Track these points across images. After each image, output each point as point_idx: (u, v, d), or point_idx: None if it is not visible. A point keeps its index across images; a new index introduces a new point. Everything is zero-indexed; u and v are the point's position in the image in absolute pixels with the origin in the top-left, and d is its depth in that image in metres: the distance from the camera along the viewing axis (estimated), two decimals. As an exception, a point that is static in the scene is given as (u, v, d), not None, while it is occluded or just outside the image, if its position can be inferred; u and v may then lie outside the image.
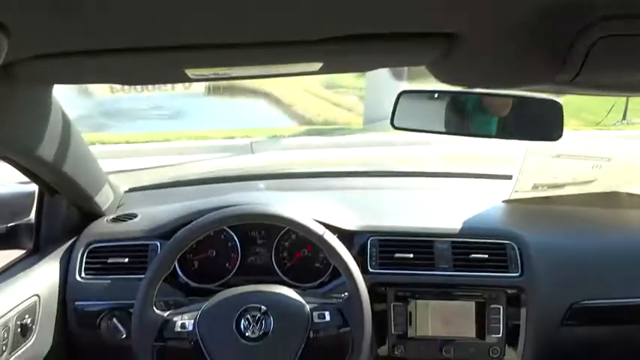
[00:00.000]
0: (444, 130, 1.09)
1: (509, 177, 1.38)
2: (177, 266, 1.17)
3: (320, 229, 1.01)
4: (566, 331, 1.18)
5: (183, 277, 1.18)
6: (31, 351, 1.00)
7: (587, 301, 1.16)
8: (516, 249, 1.16)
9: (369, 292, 1.06)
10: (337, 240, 1.02)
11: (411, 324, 1.14)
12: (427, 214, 1.27)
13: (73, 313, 1.12)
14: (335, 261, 1.01)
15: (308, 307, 0.98)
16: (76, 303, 1.13)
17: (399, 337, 1.14)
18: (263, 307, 0.96)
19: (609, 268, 1.19)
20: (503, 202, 1.36)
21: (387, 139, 6.85)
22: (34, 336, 1.01)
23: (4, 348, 0.90)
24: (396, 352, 1.14)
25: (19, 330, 0.95)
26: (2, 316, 0.91)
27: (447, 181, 1.62)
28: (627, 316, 1.17)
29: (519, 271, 1.14)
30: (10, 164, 0.94)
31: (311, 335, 0.96)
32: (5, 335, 0.91)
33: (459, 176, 1.65)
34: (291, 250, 1.24)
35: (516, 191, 1.35)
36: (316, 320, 0.97)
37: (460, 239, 1.18)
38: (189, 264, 1.22)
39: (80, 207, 1.20)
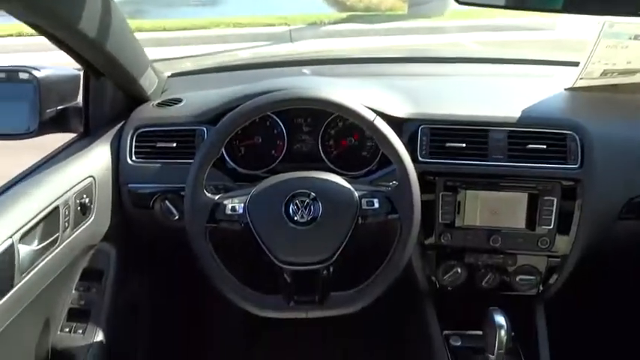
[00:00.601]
0: (504, 4, 0.98)
1: (574, 63, 1.27)
2: (224, 152, 1.17)
3: (371, 115, 0.97)
4: (622, 225, 1.14)
5: (231, 163, 1.18)
6: (91, 229, 1.06)
7: None
8: (577, 140, 1.10)
9: (418, 181, 1.04)
10: (388, 126, 0.98)
11: (458, 213, 1.13)
12: (482, 101, 1.20)
13: (127, 195, 1.16)
14: (385, 148, 0.98)
15: (356, 194, 0.97)
16: (129, 185, 1.16)
17: (446, 225, 1.13)
18: (312, 193, 0.96)
19: None
20: (566, 89, 1.27)
21: (432, 25, 6.46)
22: (93, 215, 1.05)
23: (66, 224, 0.95)
24: (442, 241, 1.14)
25: (78, 208, 0.99)
26: (63, 195, 0.94)
27: (504, 68, 1.51)
28: None
29: (578, 162, 1.09)
30: (51, 40, 0.92)
31: (359, 221, 0.96)
32: (67, 213, 0.95)
33: (516, 62, 1.53)
34: (338, 138, 1.22)
35: (582, 78, 1.25)
36: (364, 207, 0.96)
37: (517, 129, 1.11)
38: (235, 150, 1.21)
39: (126, 90, 1.19)
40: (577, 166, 1.09)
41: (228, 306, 0.98)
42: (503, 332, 1.04)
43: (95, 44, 0.95)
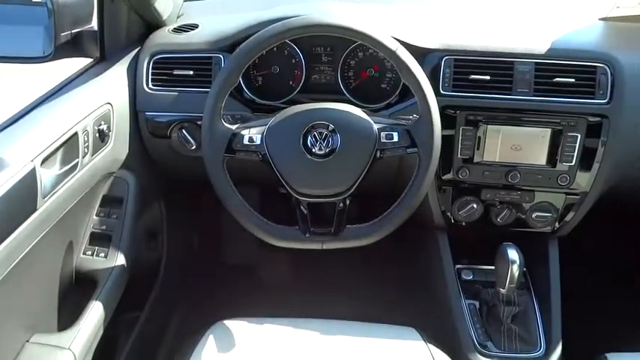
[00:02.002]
0: None
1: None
2: (241, 82, 1.15)
3: (393, 44, 0.93)
4: None
5: (248, 93, 1.17)
6: (110, 156, 1.07)
7: None
8: (608, 73, 1.05)
9: (442, 114, 1.02)
10: (411, 56, 0.94)
11: (478, 149, 1.11)
12: (509, 32, 1.15)
13: (145, 123, 1.16)
14: (407, 79, 0.94)
15: (376, 126, 0.95)
16: (147, 113, 1.15)
17: (464, 161, 1.12)
18: (331, 124, 0.94)
19: None
20: (600, 19, 1.20)
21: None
22: (112, 142, 1.06)
23: (86, 150, 0.96)
24: (459, 176, 1.13)
25: (97, 135, 1.00)
26: (81, 121, 0.94)
27: None
28: None
29: (607, 97, 1.05)
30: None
31: (377, 155, 0.95)
32: (86, 139, 0.96)
33: None
34: (358, 69, 1.18)
35: (618, 7, 1.18)
36: (384, 140, 0.94)
37: (545, 60, 1.07)
38: (252, 80, 1.19)
39: (141, 14, 1.16)
40: (605, 101, 1.05)
41: (243, 233, 0.99)
42: (515, 267, 1.05)
43: None
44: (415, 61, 0.95)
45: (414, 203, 0.95)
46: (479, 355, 1.04)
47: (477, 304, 1.17)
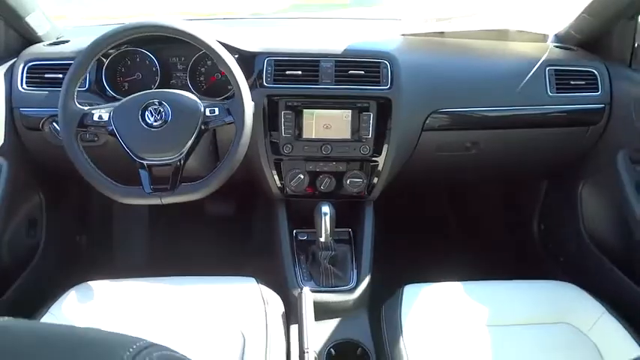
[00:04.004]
0: None
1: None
2: (107, 86, 1.40)
3: (211, 41, 1.21)
4: (426, 136, 1.44)
5: (113, 94, 1.41)
6: None
7: (443, 109, 1.41)
8: (388, 67, 1.38)
9: (268, 103, 1.34)
10: (226, 51, 1.22)
11: (298, 128, 1.39)
12: (316, 39, 1.48)
13: (20, 118, 1.37)
14: (223, 68, 1.22)
15: (201, 103, 1.21)
16: (21, 109, 1.37)
17: (287, 139, 1.40)
18: (163, 102, 1.20)
19: (463, 84, 1.44)
20: (401, 35, 1.56)
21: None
22: None
23: None
24: (284, 151, 1.40)
25: None
26: None
27: (346, 23, 1.85)
28: (473, 123, 1.45)
29: (389, 84, 1.37)
30: None
31: (202, 127, 1.20)
32: None
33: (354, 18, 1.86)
34: (207, 74, 1.47)
35: (407, 27, 1.55)
36: (207, 114, 1.20)
37: (342, 58, 1.39)
38: (119, 86, 1.44)
39: (16, 29, 1.40)
40: (388, 87, 1.37)
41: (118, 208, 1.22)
42: (327, 218, 1.32)
43: None
44: (229, 54, 1.23)
45: (233, 164, 1.20)
46: (300, 290, 1.27)
47: (306, 255, 1.42)
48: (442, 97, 1.43)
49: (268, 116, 1.38)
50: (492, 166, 1.64)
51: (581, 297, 1.24)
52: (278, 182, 1.45)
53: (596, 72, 1.47)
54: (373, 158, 1.42)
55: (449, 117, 1.44)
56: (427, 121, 1.43)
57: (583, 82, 1.46)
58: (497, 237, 2.09)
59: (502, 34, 1.61)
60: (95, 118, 1.20)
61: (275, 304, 1.22)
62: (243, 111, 1.20)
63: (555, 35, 1.65)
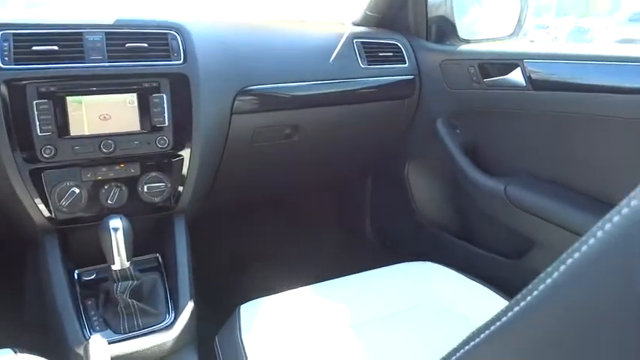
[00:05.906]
0: None
1: None
2: None
3: None
4: (238, 120, 1.19)
5: None
6: None
7: (251, 87, 1.18)
8: (178, 38, 1.10)
9: (9, 91, 0.94)
10: None
11: (62, 123, 1.00)
12: (77, 10, 1.14)
13: None
14: None
15: None
16: None
17: (47, 138, 0.99)
18: None
19: (271, 59, 1.25)
20: None
21: None
22: None
23: None
24: (45, 155, 0.99)
25: None
26: None
27: None
28: (287, 102, 1.26)
29: (182, 59, 1.09)
30: None
31: None
32: None
33: None
34: None
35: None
36: None
37: (114, 30, 1.07)
38: None
39: None
40: (181, 62, 1.09)
41: None
42: (119, 235, 0.94)
43: None
44: None
45: None
46: (90, 345, 0.84)
47: (96, 299, 0.99)
48: (249, 74, 1.20)
49: (11, 110, 0.97)
50: (318, 158, 1.46)
51: (439, 272, 1.10)
52: (41, 205, 1.02)
53: (400, 45, 1.43)
54: (176, 153, 1.10)
55: (260, 96, 1.21)
56: (236, 103, 1.17)
57: (391, 54, 1.40)
58: (335, 240, 1.94)
59: (301, 24, 1.49)
60: None
61: None
62: None
63: (352, 23, 1.59)
